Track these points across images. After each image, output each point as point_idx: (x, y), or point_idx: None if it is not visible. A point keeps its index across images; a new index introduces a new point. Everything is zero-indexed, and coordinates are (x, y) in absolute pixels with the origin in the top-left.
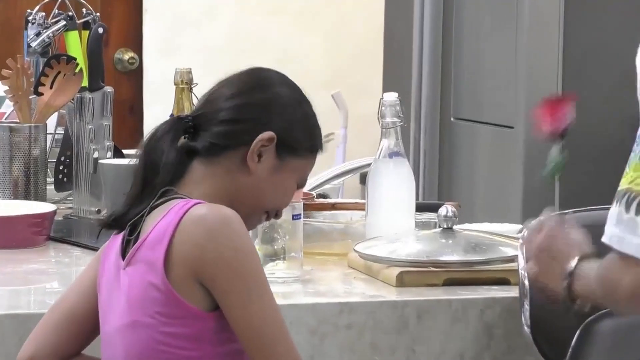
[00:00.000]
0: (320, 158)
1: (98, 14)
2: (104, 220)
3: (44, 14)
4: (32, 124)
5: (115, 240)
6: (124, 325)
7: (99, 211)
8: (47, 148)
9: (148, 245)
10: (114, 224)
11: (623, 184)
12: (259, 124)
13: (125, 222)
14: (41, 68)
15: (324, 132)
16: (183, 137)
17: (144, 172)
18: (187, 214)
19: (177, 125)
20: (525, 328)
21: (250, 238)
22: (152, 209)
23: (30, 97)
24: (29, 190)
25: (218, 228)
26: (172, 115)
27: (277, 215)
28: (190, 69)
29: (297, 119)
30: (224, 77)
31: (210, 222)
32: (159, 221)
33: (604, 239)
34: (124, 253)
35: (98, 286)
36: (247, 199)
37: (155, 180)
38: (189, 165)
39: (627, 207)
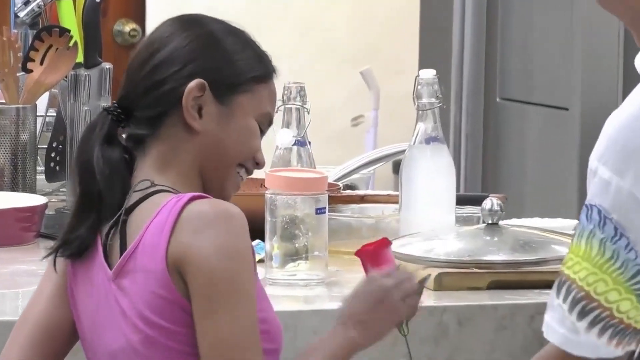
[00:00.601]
0: (348, 144)
1: None
2: (54, 247)
3: None
4: (20, 105)
5: None
6: (132, 343)
7: None
8: (37, 132)
9: (143, 251)
10: (67, 249)
11: (563, 264)
12: (181, 77)
13: (83, 244)
14: (30, 41)
15: (353, 115)
16: (120, 127)
17: (87, 188)
18: (186, 210)
19: (105, 119)
20: None
21: (249, 240)
22: (128, 211)
23: (17, 75)
24: (16, 180)
25: (212, 222)
26: None
27: (259, 164)
28: None
29: (222, 54)
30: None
31: (206, 217)
32: (151, 222)
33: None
34: (107, 260)
35: (72, 298)
36: (211, 161)
37: (104, 192)
38: (139, 153)
39: (558, 293)
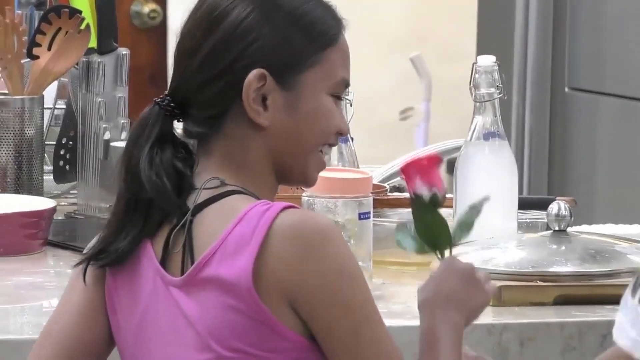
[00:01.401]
0: (396, 140)
1: None
2: (87, 256)
3: None
4: (26, 96)
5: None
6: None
7: (110, 207)
8: (45, 127)
9: (222, 259)
10: (103, 260)
11: None
12: (239, 69)
13: (123, 253)
14: (37, 24)
15: (401, 107)
16: (176, 120)
17: (135, 195)
18: (275, 223)
19: (157, 116)
20: None
21: (353, 254)
22: (195, 210)
23: (22, 62)
24: (21, 181)
25: (318, 246)
26: None
27: (342, 133)
28: None
29: (280, 31)
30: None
31: (307, 239)
32: (233, 227)
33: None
34: (164, 266)
35: (112, 307)
36: (286, 153)
37: (157, 199)
38: (201, 151)
39: (633, 292)
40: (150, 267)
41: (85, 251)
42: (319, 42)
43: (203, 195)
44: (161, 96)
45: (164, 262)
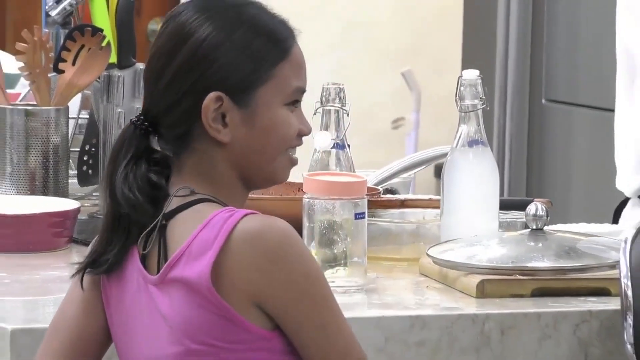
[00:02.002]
0: (388, 147)
1: None
2: (81, 266)
3: None
4: (52, 107)
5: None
6: (172, 355)
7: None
8: (70, 135)
9: (187, 261)
10: (97, 269)
11: None
12: (198, 91)
13: (112, 264)
14: (62, 41)
15: (393, 117)
16: (152, 136)
17: (114, 209)
18: (236, 229)
19: (133, 134)
20: (628, 346)
21: (312, 255)
22: (167, 216)
23: (49, 75)
24: (48, 184)
25: (280, 250)
26: None
27: (303, 134)
28: None
29: (235, 52)
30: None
31: (269, 242)
32: (198, 232)
33: None
34: (144, 265)
35: (107, 303)
36: (251, 162)
37: (131, 214)
38: (173, 164)
39: None
40: (134, 267)
41: (82, 259)
42: (271, 58)
43: (174, 202)
44: (136, 116)
45: (143, 262)
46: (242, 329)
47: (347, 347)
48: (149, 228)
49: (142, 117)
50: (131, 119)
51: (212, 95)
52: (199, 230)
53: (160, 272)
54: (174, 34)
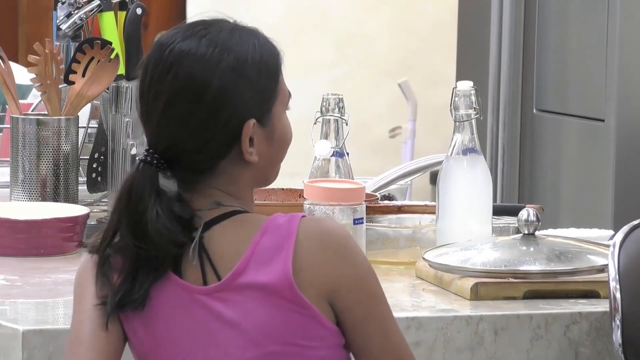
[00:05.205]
0: (386, 155)
1: None
2: (111, 306)
3: None
4: (63, 117)
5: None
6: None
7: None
8: (79, 144)
9: (257, 267)
10: (129, 307)
11: None
12: (233, 125)
13: (141, 300)
14: (72, 53)
15: (390, 126)
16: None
17: (146, 252)
18: (301, 230)
19: (152, 174)
20: (616, 347)
21: None
22: (206, 226)
23: (60, 87)
24: (58, 191)
25: (347, 246)
26: None
27: None
28: None
29: (252, 83)
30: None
31: (336, 239)
32: (260, 239)
33: None
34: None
35: (135, 336)
36: (268, 172)
37: (164, 249)
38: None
39: None
40: (164, 288)
41: (89, 249)
42: (276, 77)
43: (209, 215)
44: (145, 153)
45: (179, 275)
46: (321, 325)
47: (402, 343)
48: (193, 245)
49: (156, 156)
50: (141, 159)
51: (250, 123)
52: (259, 237)
53: (222, 281)
54: (191, 76)
